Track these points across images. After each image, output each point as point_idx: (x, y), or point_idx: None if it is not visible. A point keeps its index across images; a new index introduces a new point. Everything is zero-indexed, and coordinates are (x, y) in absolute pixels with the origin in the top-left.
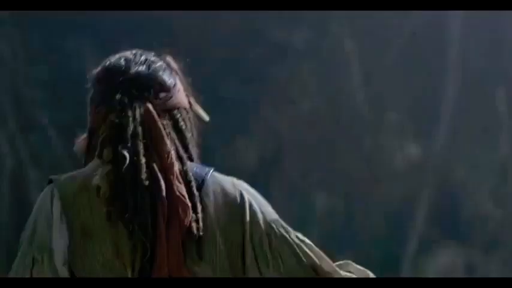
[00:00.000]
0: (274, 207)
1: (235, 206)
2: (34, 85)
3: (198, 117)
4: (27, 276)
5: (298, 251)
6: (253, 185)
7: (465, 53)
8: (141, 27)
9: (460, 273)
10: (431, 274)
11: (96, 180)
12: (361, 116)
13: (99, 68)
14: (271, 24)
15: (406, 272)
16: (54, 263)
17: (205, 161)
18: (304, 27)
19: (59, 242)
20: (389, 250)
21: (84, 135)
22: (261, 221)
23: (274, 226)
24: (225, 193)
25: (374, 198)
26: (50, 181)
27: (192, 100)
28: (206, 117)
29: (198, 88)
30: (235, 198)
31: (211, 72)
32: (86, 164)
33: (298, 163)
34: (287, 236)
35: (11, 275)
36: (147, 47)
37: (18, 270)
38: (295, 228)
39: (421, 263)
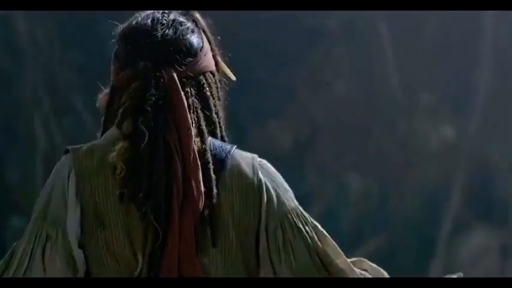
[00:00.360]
0: (308, 189)
1: (251, 192)
2: (68, 69)
3: (225, 77)
4: (40, 251)
5: (312, 246)
6: (287, 167)
7: (499, 35)
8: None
9: (494, 255)
10: (465, 256)
11: (112, 157)
12: (396, 98)
13: (125, 25)
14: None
15: (440, 254)
16: (69, 242)
17: (240, 143)
18: (339, 11)
19: (73, 223)
20: (423, 232)
21: (107, 91)
22: (277, 209)
23: (289, 216)
24: (242, 177)
25: (408, 181)
26: (67, 151)
27: (219, 59)
28: (233, 77)
29: (234, 71)
30: (252, 182)
31: (247, 56)
32: (105, 122)
33: (333, 146)
34: (302, 228)
35: (23, 242)
36: None
37: (30, 241)
38: (330, 211)
39: (455, 245)
